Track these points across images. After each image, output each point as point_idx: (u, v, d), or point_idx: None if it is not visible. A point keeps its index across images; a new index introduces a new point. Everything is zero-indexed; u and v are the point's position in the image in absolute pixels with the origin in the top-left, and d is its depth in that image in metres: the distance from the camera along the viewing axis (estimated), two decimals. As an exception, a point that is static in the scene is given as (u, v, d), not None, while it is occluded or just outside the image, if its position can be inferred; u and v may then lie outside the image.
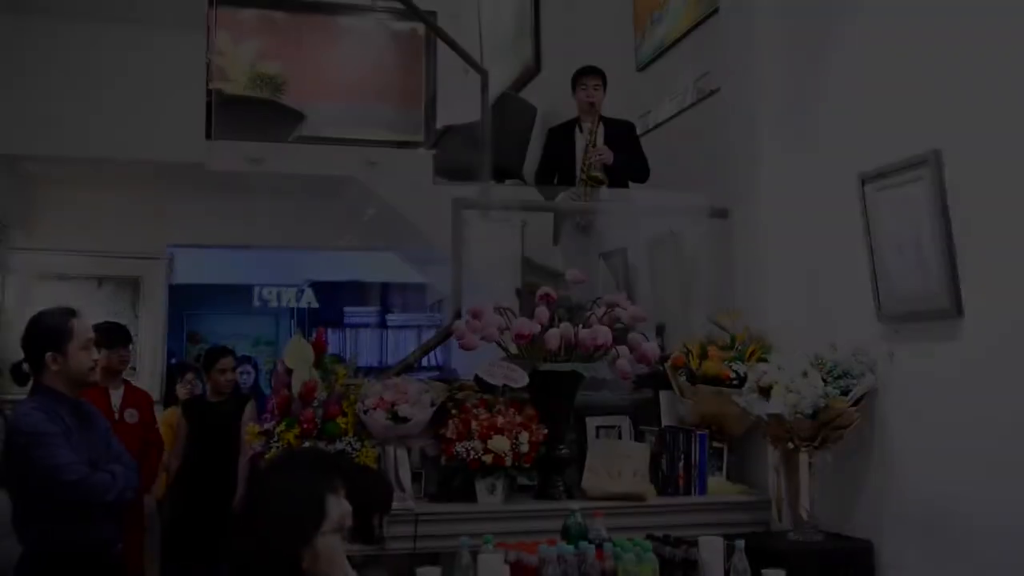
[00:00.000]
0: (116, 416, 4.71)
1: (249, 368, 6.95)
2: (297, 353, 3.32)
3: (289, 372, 3.31)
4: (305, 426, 3.15)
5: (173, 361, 7.83)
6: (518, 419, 3.31)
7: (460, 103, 6.47)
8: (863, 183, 3.16)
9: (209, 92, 5.72)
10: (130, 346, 5.03)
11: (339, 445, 3.15)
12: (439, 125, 6.56)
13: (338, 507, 1.83)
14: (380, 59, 6.74)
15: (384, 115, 6.66)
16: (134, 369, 6.32)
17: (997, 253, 2.72)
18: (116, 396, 4.82)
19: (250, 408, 5.16)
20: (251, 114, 6.16)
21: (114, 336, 4.83)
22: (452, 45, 5.69)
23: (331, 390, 3.27)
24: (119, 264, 6.59)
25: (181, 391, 5.91)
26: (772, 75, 3.74)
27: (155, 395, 6.10)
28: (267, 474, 1.99)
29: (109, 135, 5.41)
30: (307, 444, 3.13)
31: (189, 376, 5.99)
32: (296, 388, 3.25)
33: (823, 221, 3.52)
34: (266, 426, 3.23)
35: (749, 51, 3.79)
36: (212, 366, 5.26)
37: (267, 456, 3.14)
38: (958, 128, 2.86)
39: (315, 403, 3.21)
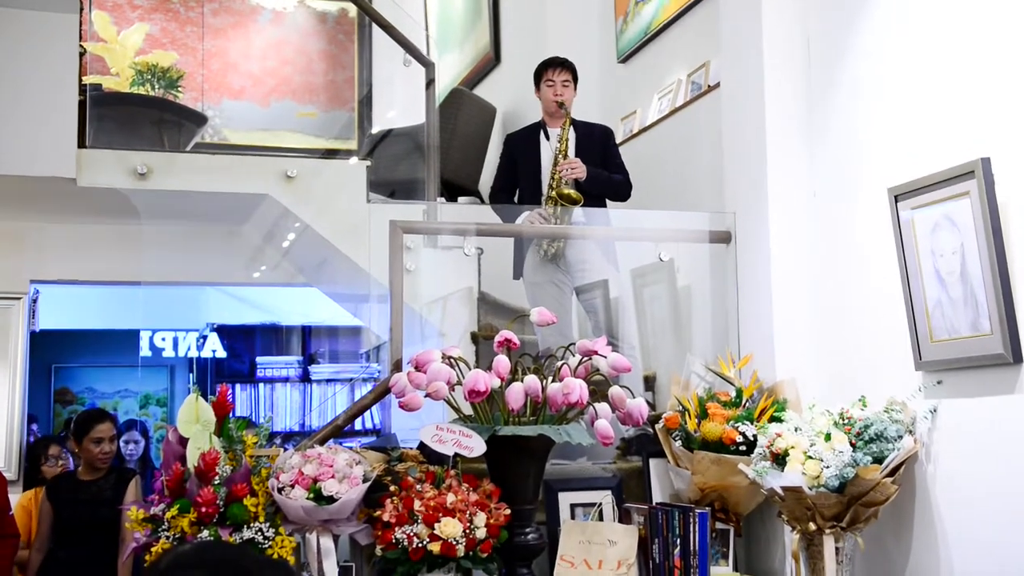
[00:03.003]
0: (-43, 502, 4.61)
1: (136, 436, 6.84)
2: (193, 416, 3.28)
3: (183, 441, 3.26)
4: (203, 510, 3.10)
5: (35, 428, 7.68)
6: (473, 497, 3.28)
7: (401, 102, 6.48)
8: (896, 200, 3.19)
9: (83, 89, 5.67)
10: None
11: (247, 534, 3.10)
12: (375, 129, 6.55)
13: None
14: (302, 47, 6.72)
15: (307, 117, 6.64)
16: (-17, 440, 6.21)
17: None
18: (-43, 476, 4.72)
19: (134, 487, 5.07)
20: (138, 116, 6.11)
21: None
22: (390, 30, 5.72)
23: (237, 463, 3.23)
24: (-36, 306, 6.47)
25: (49, 471, 5.80)
26: (785, 67, 3.78)
27: (10, 473, 5.97)
28: None
29: (-50, 143, 5.33)
30: (206, 534, 3.08)
31: (54, 451, 5.89)
32: (192, 461, 3.20)
33: (847, 247, 3.55)
34: (153, 510, 3.18)
35: (757, 38, 3.83)
36: (85, 434, 5.15)
37: (154, 550, 3.08)
38: (1011, 131, 2.90)
39: (216, 480, 3.16)
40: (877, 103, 3.43)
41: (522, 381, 3.34)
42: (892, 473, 3.12)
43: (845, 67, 3.59)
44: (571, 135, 5.12)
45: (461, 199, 6.81)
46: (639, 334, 4.78)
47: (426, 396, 3.33)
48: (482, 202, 6.69)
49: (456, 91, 7.37)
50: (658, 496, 3.80)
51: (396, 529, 3.20)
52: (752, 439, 3.46)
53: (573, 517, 3.66)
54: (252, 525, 3.12)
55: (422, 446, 3.47)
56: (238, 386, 10.10)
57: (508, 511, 3.33)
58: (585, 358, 3.47)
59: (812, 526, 3.18)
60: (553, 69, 5.21)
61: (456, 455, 3.34)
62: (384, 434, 6.04)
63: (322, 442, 3.61)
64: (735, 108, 3.99)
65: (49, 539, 5.07)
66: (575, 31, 6.64)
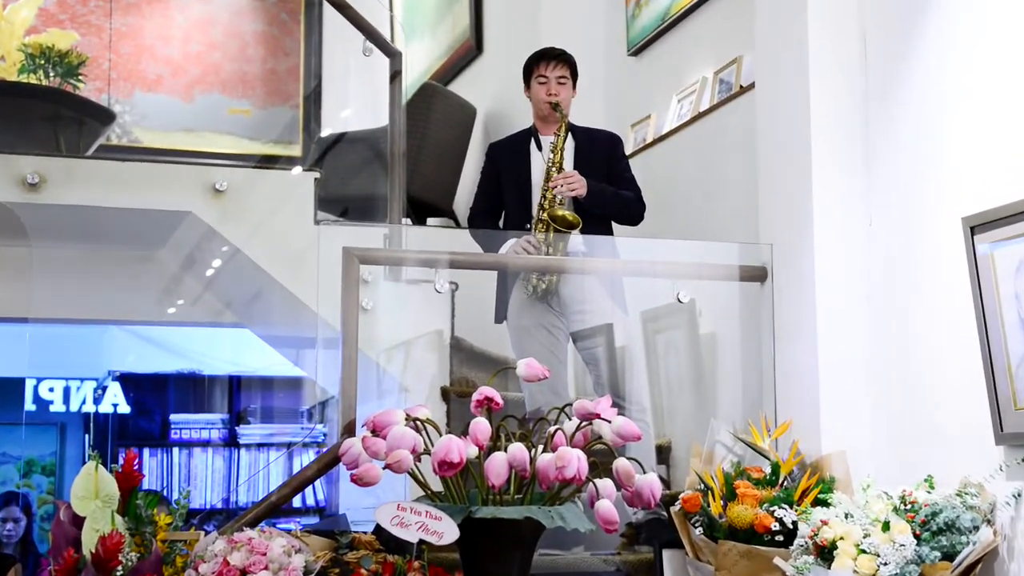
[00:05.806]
0: None
1: (16, 513, 6.80)
2: (91, 490, 3.27)
3: (78, 520, 3.25)
4: (102, 607, 3.09)
5: None
6: (442, 595, 3.28)
7: (358, 99, 6.51)
8: (972, 232, 3.21)
9: (-39, 76, 5.70)
10: None
11: (156, 638, 3.09)
12: (325, 132, 6.59)
13: None
14: (235, 28, 6.78)
15: (239, 115, 6.67)
16: None
17: None
18: None
19: (14, 577, 5.06)
20: (28, 111, 6.11)
21: None
22: (346, 10, 5.75)
23: (146, 549, 3.22)
24: None
25: None
26: (836, 66, 3.81)
27: None
28: None
29: None
30: (104, 636, 3.07)
31: None
32: (89, 546, 3.19)
33: (911, 289, 3.56)
34: (39, 607, 3.17)
35: (801, 29, 3.86)
36: (-47, 510, 5.15)
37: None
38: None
39: (119, 570, 3.15)
40: (950, 113, 3.46)
41: (505, 450, 3.33)
42: (966, 573, 3.13)
43: (911, 68, 3.61)
44: (568, 144, 5.12)
45: (431, 221, 6.83)
46: (651, 393, 4.79)
47: (385, 468, 3.32)
48: (457, 225, 6.70)
49: (427, 87, 7.40)
50: (673, 597, 3.80)
51: (345, 634, 3.19)
52: (792, 527, 3.45)
53: (566, 622, 3.66)
54: (164, 628, 3.12)
55: (379, 530, 3.46)
56: (147, 451, 10.06)
57: (485, 613, 3.33)
58: (584, 423, 3.46)
59: (865, 637, 3.18)
60: (547, 63, 5.22)
61: (422, 542, 3.33)
62: (331, 514, 6.03)
63: (253, 524, 3.60)
64: (773, 115, 4.02)
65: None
66: (575, 16, 6.69)
